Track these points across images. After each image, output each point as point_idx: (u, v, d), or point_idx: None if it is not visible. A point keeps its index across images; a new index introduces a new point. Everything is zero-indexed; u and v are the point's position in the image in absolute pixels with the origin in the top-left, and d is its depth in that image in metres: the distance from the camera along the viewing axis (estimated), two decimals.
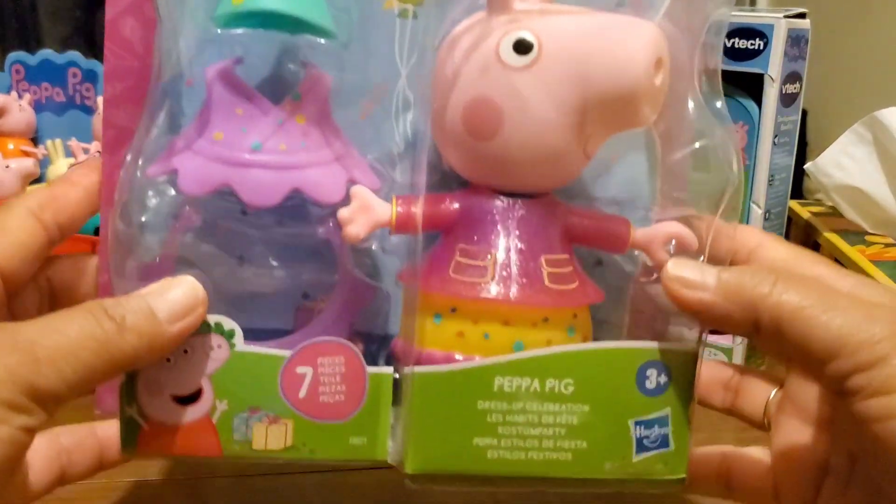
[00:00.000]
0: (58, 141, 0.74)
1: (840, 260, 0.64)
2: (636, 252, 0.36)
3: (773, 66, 0.56)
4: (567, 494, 0.41)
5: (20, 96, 0.77)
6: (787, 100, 0.58)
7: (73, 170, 0.37)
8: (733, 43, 0.58)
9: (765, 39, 0.56)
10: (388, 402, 0.33)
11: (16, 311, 0.34)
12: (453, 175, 0.35)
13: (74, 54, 0.78)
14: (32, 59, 0.78)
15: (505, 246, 0.33)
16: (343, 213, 0.33)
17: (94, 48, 0.83)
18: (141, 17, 0.35)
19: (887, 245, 0.64)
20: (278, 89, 0.34)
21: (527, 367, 0.32)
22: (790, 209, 0.69)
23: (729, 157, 0.33)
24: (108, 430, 0.35)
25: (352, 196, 0.33)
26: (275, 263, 0.36)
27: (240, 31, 0.33)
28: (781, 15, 0.55)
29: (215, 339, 0.32)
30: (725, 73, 0.60)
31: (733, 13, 0.60)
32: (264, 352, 0.33)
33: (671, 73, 0.32)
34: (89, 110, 0.77)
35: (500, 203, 0.33)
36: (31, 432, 0.28)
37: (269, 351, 0.33)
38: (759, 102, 0.57)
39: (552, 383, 0.32)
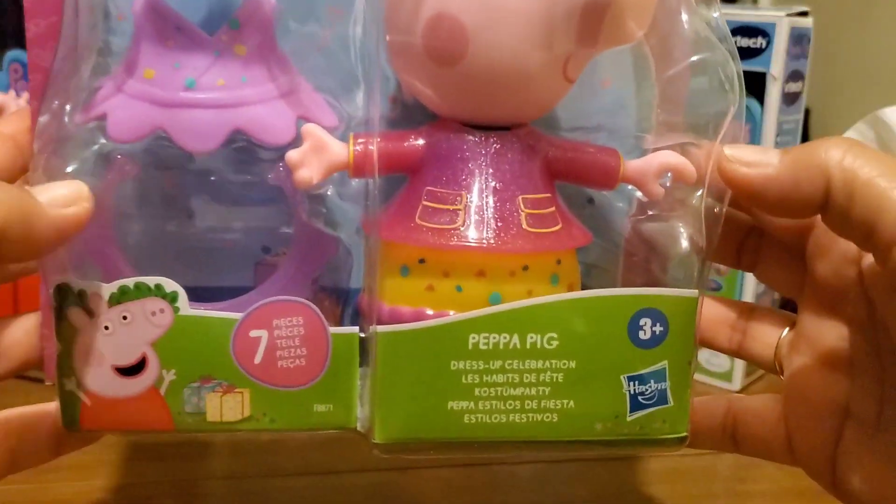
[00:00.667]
0: None
1: None
2: (629, 187, 0.32)
3: (776, 65, 0.55)
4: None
5: (18, 95, 0.73)
6: (789, 98, 0.57)
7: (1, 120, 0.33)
8: (735, 41, 0.57)
9: (767, 38, 0.55)
10: (354, 365, 0.30)
11: None
12: (418, 107, 0.31)
13: None
14: None
15: (478, 186, 0.29)
16: (292, 155, 0.29)
17: None
18: None
19: None
20: (215, 16, 0.30)
21: (505, 321, 0.28)
22: None
23: (730, 75, 0.30)
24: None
25: (303, 135, 0.29)
26: (226, 215, 0.32)
27: None
28: (784, 13, 0.55)
29: (156, 303, 0.29)
30: None
31: (735, 12, 0.58)
32: (213, 315, 0.29)
33: None
34: None
35: (471, 137, 0.30)
36: None
37: (218, 314, 0.29)
38: (761, 101, 0.57)
39: (534, 338, 0.29)
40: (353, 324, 0.30)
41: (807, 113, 0.74)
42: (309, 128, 0.30)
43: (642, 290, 0.29)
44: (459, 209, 0.29)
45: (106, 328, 0.29)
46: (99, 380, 0.29)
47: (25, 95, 0.71)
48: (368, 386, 0.29)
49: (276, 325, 0.29)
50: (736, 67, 0.30)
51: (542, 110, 0.31)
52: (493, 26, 0.27)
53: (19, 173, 0.32)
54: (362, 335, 0.30)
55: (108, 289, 0.29)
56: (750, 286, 0.58)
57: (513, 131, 0.30)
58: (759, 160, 0.28)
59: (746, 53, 0.56)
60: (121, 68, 0.30)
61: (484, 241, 0.28)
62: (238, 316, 0.29)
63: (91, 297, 0.29)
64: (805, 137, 0.81)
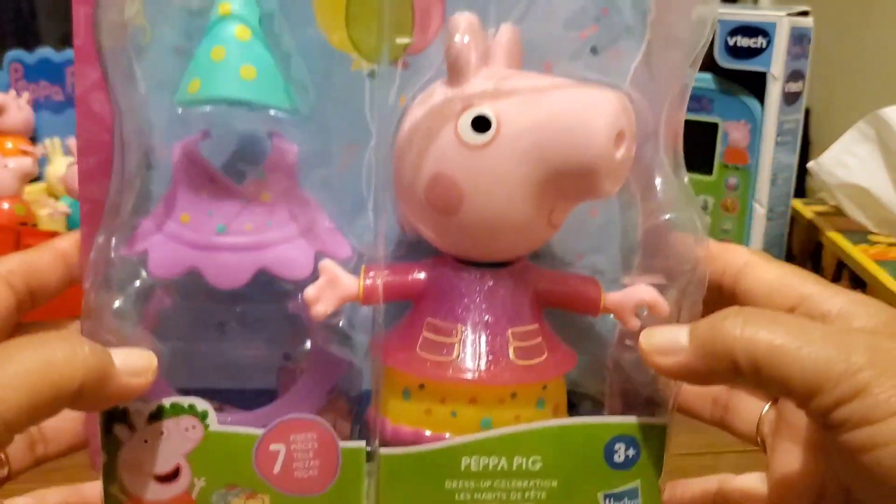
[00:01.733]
0: (56, 139, 0.75)
1: (843, 259, 0.63)
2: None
3: (776, 65, 0.56)
4: None
5: (18, 95, 0.76)
6: (789, 98, 0.58)
7: (58, 238, 0.37)
8: (736, 41, 0.58)
9: (768, 38, 0.56)
10: (361, 475, 0.34)
11: None
12: (422, 241, 0.35)
13: (73, 53, 0.78)
14: (31, 58, 0.78)
15: (472, 321, 0.33)
16: (309, 292, 0.33)
17: None
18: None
19: (890, 244, 0.64)
20: (244, 165, 0.34)
21: (494, 445, 0.32)
22: (793, 208, 0.69)
23: (700, 227, 0.33)
24: (94, 490, 0.36)
25: (320, 271, 0.33)
26: (252, 331, 0.36)
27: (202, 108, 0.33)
28: (784, 13, 0.55)
29: (189, 421, 0.33)
30: (728, 72, 0.61)
31: (736, 12, 0.60)
32: (238, 431, 0.33)
33: (638, 137, 0.32)
34: None
35: (466, 275, 0.33)
36: None
37: (243, 430, 0.33)
38: (761, 101, 0.57)
39: (520, 460, 0.32)
40: (361, 433, 0.34)
41: (807, 112, 0.74)
42: (325, 264, 0.33)
43: (617, 419, 0.33)
44: (455, 342, 0.33)
45: (145, 441, 0.33)
46: (139, 486, 0.33)
47: (25, 95, 0.76)
48: (373, 497, 0.33)
49: (293, 439, 0.33)
50: (702, 221, 0.33)
51: (532, 249, 0.35)
52: (484, 188, 0.31)
53: (66, 287, 0.36)
54: (368, 449, 0.34)
55: (147, 407, 0.33)
56: None
57: (506, 268, 0.34)
58: (670, 347, 0.30)
59: (747, 53, 0.57)
60: (160, 209, 0.34)
61: (476, 373, 0.32)
62: (260, 432, 0.33)
63: (133, 415, 0.33)
64: (805, 137, 0.81)
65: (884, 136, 0.64)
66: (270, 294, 0.35)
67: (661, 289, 0.33)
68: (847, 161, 0.65)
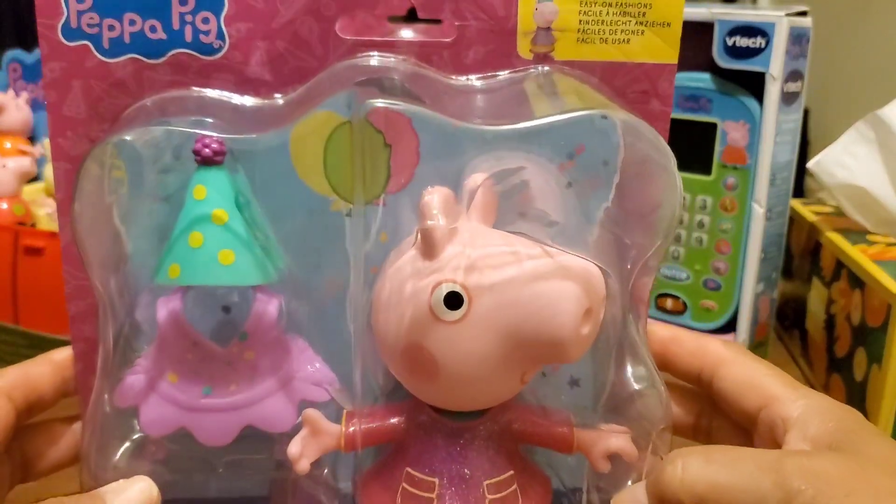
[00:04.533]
0: None
1: (842, 259, 0.63)
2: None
3: (775, 65, 0.56)
4: None
5: (17, 95, 0.76)
6: (788, 98, 0.58)
7: (54, 351, 0.39)
8: (735, 41, 0.58)
9: (766, 38, 0.56)
10: None
11: None
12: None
13: None
14: (29, 58, 0.79)
15: (449, 474, 0.35)
16: (292, 449, 0.35)
17: None
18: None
19: (889, 244, 0.63)
20: (227, 326, 0.36)
21: None
22: (792, 208, 0.69)
23: (660, 397, 0.36)
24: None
25: (303, 421, 0.35)
26: (242, 472, 0.38)
27: None
28: (783, 13, 0.55)
29: None
30: (727, 72, 0.61)
31: (735, 12, 0.60)
32: None
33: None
34: None
35: (443, 427, 0.35)
36: None
37: None
38: (760, 101, 0.58)
39: None
40: None
41: (806, 112, 0.75)
42: (308, 415, 0.35)
43: None
44: (433, 498, 0.34)
45: None
46: None
47: (24, 95, 0.76)
48: None
49: None
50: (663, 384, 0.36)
51: (505, 399, 0.36)
52: (459, 358, 0.32)
53: (60, 398, 0.38)
54: None
55: None
56: (749, 285, 0.62)
57: (481, 417, 0.35)
58: None
59: (746, 53, 0.57)
60: (149, 364, 0.35)
61: None
62: None
63: None
64: (804, 137, 0.82)
65: (883, 137, 0.63)
66: (258, 440, 0.36)
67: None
68: (846, 161, 0.64)
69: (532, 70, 0.37)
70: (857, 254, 0.61)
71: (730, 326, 0.66)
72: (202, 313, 0.35)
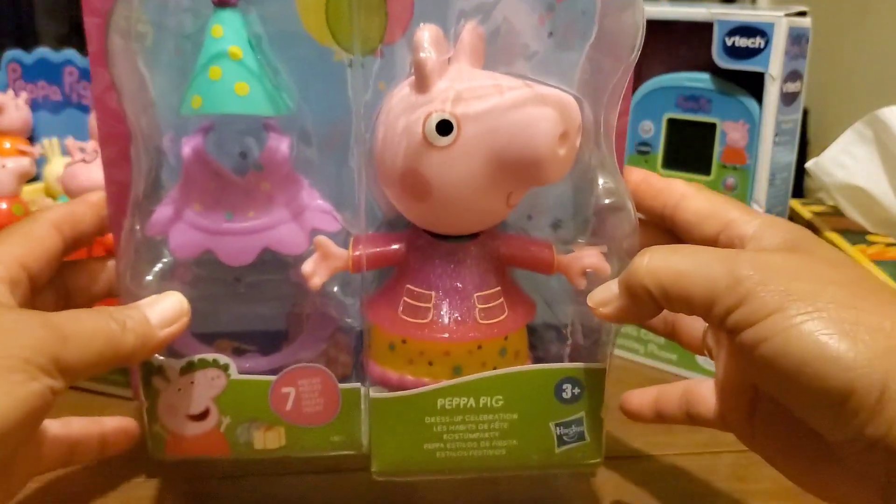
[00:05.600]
0: (54, 139, 0.74)
1: None
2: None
3: (774, 65, 0.55)
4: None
5: (16, 95, 0.75)
6: (787, 98, 0.57)
7: (90, 193, 0.43)
8: (734, 41, 0.58)
9: (766, 38, 0.55)
10: (359, 409, 0.41)
11: (37, 308, 0.39)
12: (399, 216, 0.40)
13: (71, 52, 0.76)
14: (28, 58, 0.77)
15: (444, 288, 0.39)
16: (305, 268, 0.39)
17: None
18: None
19: (888, 244, 0.66)
20: (245, 157, 0.40)
21: (464, 389, 0.39)
22: (791, 208, 0.70)
23: (628, 213, 0.39)
24: (113, 423, 0.43)
25: (315, 245, 0.39)
26: (263, 293, 0.43)
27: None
28: (782, 13, 0.55)
29: (214, 372, 0.40)
30: (726, 72, 0.61)
31: (734, 12, 0.60)
32: (254, 378, 0.41)
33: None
34: (86, 109, 0.76)
35: (439, 248, 0.40)
36: (55, 394, 0.33)
37: (258, 378, 0.41)
38: (759, 101, 0.57)
39: (485, 399, 0.39)
40: (360, 372, 0.42)
41: (805, 113, 0.73)
42: (319, 240, 0.40)
43: (564, 365, 0.40)
44: (430, 307, 0.39)
45: (179, 390, 0.40)
46: (176, 424, 0.41)
47: (24, 95, 0.75)
48: (368, 430, 0.41)
49: (301, 384, 0.41)
50: (631, 202, 0.39)
51: (492, 225, 0.40)
52: (449, 181, 0.37)
53: (99, 235, 0.43)
54: (363, 388, 0.41)
55: (179, 363, 0.40)
56: None
57: (472, 241, 0.40)
58: (608, 298, 0.36)
59: (745, 53, 0.56)
60: (176, 196, 0.39)
61: (447, 332, 0.39)
62: (272, 378, 0.40)
63: (168, 370, 0.40)
64: (803, 137, 0.81)
65: (882, 137, 0.64)
66: (275, 265, 0.41)
67: (605, 255, 0.40)
68: (845, 161, 0.65)
69: None
70: (856, 254, 0.63)
71: None
72: (221, 145, 0.39)
